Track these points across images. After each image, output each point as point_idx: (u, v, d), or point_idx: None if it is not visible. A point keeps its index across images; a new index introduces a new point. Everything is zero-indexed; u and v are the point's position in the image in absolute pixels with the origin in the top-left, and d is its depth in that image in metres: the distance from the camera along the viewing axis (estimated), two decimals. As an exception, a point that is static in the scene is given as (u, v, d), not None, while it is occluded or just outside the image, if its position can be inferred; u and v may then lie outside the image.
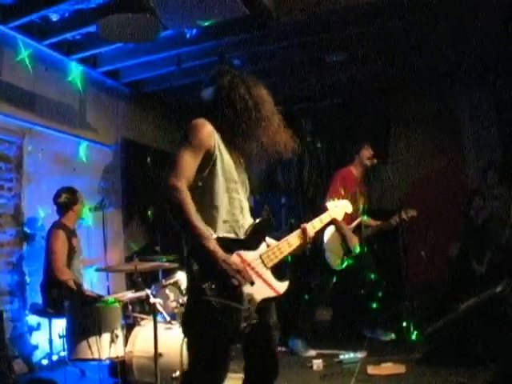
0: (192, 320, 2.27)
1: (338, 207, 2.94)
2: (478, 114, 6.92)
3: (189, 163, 2.26)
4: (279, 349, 5.26)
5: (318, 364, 4.65)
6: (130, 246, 6.77)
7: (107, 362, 3.96)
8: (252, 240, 2.38)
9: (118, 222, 6.78)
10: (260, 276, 2.30)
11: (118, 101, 6.91)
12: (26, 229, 5.22)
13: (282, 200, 7.87)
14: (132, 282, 5.71)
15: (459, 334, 4.13)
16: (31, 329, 5.00)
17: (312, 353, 5.19)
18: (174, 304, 4.26)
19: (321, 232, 2.71)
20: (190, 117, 2.41)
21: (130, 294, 4.32)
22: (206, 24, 4.92)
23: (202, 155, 2.30)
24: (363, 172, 5.66)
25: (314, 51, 5.96)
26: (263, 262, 2.35)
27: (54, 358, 4.66)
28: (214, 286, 2.12)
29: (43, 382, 4.07)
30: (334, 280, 5.46)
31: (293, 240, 2.52)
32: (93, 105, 6.42)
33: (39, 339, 4.98)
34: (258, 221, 2.44)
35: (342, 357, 4.80)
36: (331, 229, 5.35)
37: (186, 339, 2.37)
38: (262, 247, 2.40)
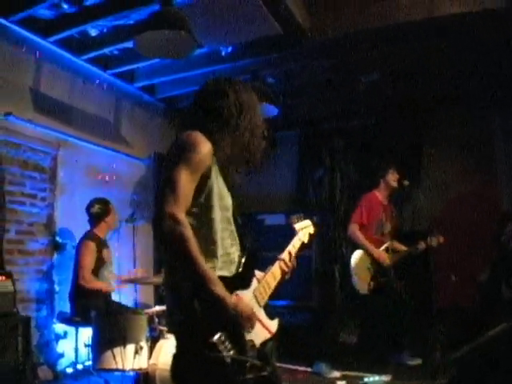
0: (193, 378, 2.00)
1: (304, 229, 2.81)
2: (512, 137, 6.82)
3: (188, 187, 2.01)
4: (302, 369, 5.28)
5: (342, 385, 4.62)
6: (160, 260, 6.81)
7: (131, 373, 3.98)
8: (245, 276, 2.21)
9: (149, 235, 6.84)
10: (256, 317, 2.14)
11: (153, 116, 7.01)
12: (57, 238, 5.31)
13: (313, 219, 7.78)
14: (160, 296, 5.74)
15: (486, 360, 4.02)
16: (58, 337, 5.06)
17: (336, 374, 5.13)
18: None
19: (296, 257, 2.62)
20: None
21: (156, 307, 4.35)
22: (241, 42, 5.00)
23: (199, 176, 2.05)
24: (390, 195, 5.62)
25: (347, 70, 5.96)
26: (257, 300, 2.22)
27: (79, 366, 4.73)
28: (224, 338, 1.91)
29: (67, 390, 4.11)
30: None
31: (276, 272, 2.40)
32: (128, 119, 6.54)
33: (65, 347, 5.03)
34: (247, 255, 2.26)
35: (366, 379, 4.75)
36: (357, 254, 5.33)
37: None
38: (254, 283, 2.24)
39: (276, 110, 5.62)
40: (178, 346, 2.10)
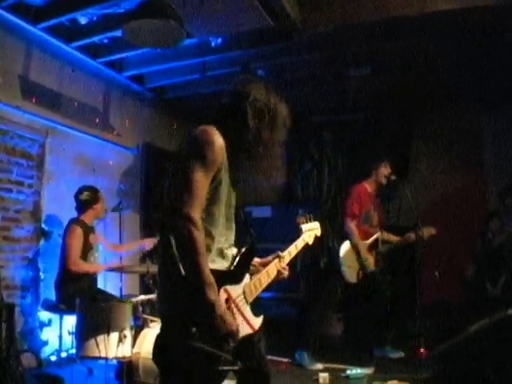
0: (170, 359, 2.07)
1: (310, 230, 2.89)
2: (501, 134, 6.85)
3: (203, 187, 2.04)
4: (285, 360, 5.32)
5: (324, 378, 4.63)
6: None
7: (114, 361, 3.99)
8: (238, 272, 2.26)
9: (135, 225, 6.85)
10: (241, 313, 2.21)
11: (142, 105, 7.01)
12: (43, 226, 5.30)
13: (299, 211, 7.81)
14: (145, 285, 5.74)
15: (468, 354, 4.07)
16: (42, 324, 5.05)
17: (319, 366, 5.15)
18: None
19: (298, 256, 2.68)
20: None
21: (141, 296, 4.36)
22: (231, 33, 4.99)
23: (212, 174, 2.09)
24: (378, 188, 5.63)
25: (338, 64, 5.97)
26: (245, 297, 2.25)
27: (63, 354, 4.71)
28: (200, 335, 1.97)
29: (50, 377, 4.11)
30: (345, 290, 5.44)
31: (271, 270, 2.47)
32: (116, 108, 6.52)
33: (49, 335, 5.03)
34: (244, 250, 2.32)
35: (348, 372, 4.78)
36: (346, 244, 5.35)
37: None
38: (246, 278, 2.30)
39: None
40: (162, 330, 2.17)
